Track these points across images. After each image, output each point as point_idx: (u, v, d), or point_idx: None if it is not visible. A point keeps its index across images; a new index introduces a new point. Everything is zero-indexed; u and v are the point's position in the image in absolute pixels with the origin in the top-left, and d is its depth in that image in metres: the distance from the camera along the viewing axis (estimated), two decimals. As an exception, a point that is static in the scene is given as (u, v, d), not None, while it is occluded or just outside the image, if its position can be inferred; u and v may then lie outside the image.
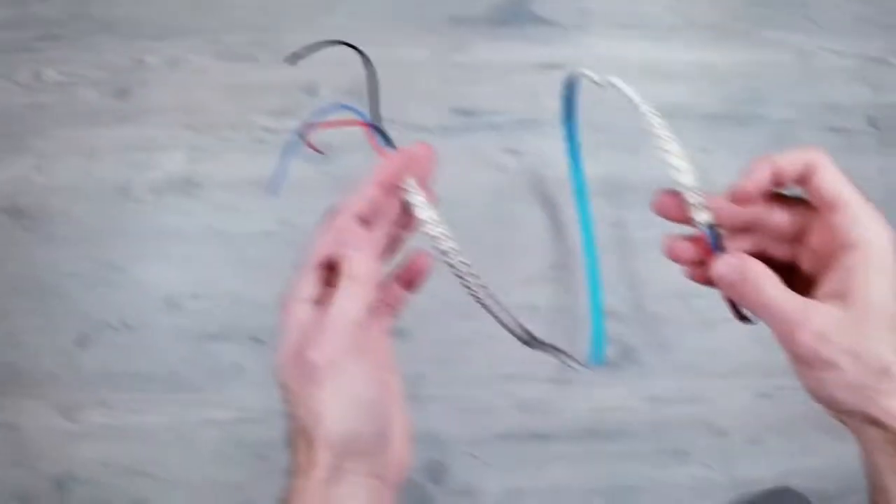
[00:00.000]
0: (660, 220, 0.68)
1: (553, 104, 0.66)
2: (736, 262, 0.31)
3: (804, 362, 0.30)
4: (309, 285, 0.32)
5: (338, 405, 0.30)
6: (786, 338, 0.30)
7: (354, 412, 0.30)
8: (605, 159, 0.69)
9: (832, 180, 0.30)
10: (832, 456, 0.69)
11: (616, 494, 0.69)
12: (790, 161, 0.31)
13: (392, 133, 0.70)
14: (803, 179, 0.31)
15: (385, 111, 0.66)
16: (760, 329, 0.67)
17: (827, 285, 0.31)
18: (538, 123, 0.69)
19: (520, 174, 0.69)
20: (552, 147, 0.66)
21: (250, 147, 0.69)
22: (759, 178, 0.31)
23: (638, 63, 0.70)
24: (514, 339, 0.45)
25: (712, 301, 0.63)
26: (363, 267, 0.31)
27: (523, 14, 0.71)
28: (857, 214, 0.30)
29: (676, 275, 0.65)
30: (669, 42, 0.71)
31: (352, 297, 0.30)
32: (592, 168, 0.67)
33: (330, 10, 0.70)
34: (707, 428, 0.69)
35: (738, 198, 0.32)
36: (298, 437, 0.31)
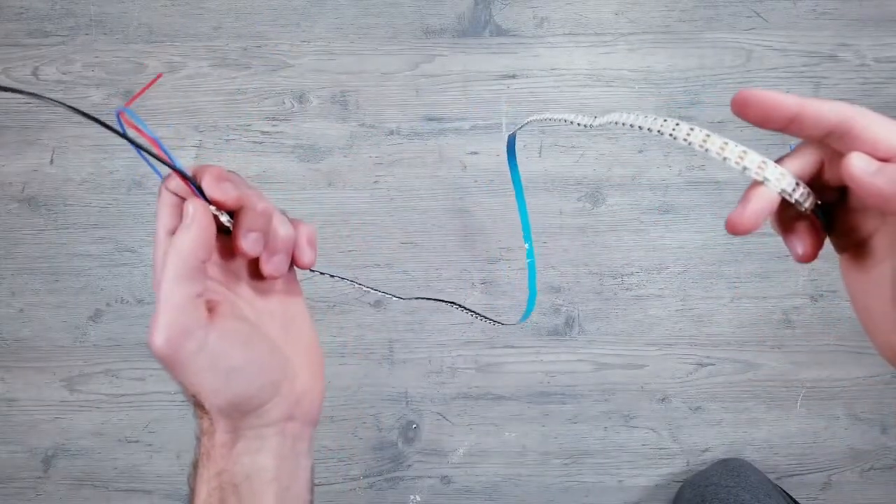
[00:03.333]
0: (588, 210, 0.75)
1: (507, 110, 0.72)
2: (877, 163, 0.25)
3: None
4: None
5: (209, 381, 0.28)
6: None
7: (231, 381, 0.28)
8: (547, 158, 0.72)
9: (887, 129, 0.25)
10: (779, 430, 0.71)
11: (572, 457, 0.72)
12: (825, 109, 0.25)
13: (369, 136, 0.78)
14: (837, 135, 0.25)
15: (364, 116, 0.73)
16: (689, 303, 0.75)
17: None
18: (494, 127, 0.72)
19: (479, 171, 0.72)
20: (504, 148, 0.71)
21: (249, 147, 0.72)
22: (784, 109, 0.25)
23: (586, 70, 0.71)
24: (462, 307, 0.47)
25: (641, 279, 0.71)
26: (175, 245, 0.27)
27: (488, 25, 0.71)
28: None
29: (610, 256, 0.73)
30: (616, 48, 0.71)
31: (173, 278, 0.27)
32: (538, 165, 0.72)
33: (312, 23, 0.72)
34: (650, 394, 0.71)
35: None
36: (194, 405, 0.30)
